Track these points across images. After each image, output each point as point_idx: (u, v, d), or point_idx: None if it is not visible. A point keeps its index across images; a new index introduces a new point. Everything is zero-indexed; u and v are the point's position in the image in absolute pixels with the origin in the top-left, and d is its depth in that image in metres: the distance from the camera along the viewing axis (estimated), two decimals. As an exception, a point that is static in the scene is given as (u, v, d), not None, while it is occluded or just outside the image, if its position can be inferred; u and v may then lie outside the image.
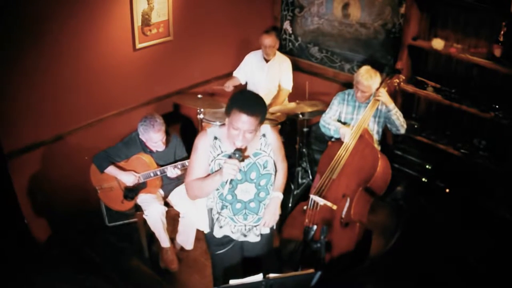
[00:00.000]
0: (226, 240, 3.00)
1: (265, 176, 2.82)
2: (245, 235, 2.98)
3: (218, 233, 2.97)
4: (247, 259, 3.15)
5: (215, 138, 2.77)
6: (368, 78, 3.89)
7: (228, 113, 2.62)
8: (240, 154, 2.62)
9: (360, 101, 4.04)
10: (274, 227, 3.13)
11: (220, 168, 2.67)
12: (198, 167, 2.79)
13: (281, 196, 2.99)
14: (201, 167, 2.78)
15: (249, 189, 2.82)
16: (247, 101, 2.61)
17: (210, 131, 2.79)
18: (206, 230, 3.03)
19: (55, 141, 4.10)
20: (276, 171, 2.93)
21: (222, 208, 2.89)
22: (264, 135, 2.82)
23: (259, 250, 3.12)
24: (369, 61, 4.96)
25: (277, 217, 2.99)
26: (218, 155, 2.76)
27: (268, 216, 2.94)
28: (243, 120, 2.55)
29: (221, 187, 2.79)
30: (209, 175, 2.77)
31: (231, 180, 2.71)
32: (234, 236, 2.98)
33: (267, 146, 2.81)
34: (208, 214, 2.97)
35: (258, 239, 3.01)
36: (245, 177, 2.79)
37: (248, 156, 2.74)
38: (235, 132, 2.60)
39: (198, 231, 4.01)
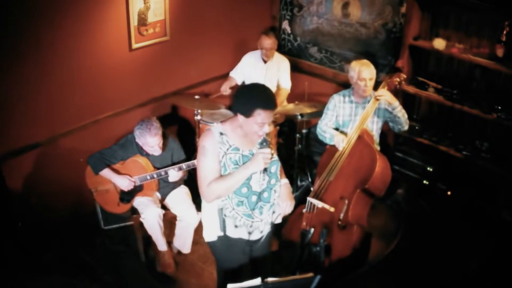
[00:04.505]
0: (238, 243, 2.96)
1: (274, 163, 2.88)
2: (261, 231, 2.97)
3: (233, 233, 2.91)
4: (256, 256, 3.13)
5: (221, 133, 2.79)
6: (368, 64, 3.87)
7: (247, 114, 2.67)
8: (267, 143, 2.77)
9: (366, 95, 3.92)
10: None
11: (248, 161, 2.75)
12: (213, 168, 2.78)
13: (288, 182, 3.07)
14: (215, 166, 2.78)
15: (263, 178, 2.83)
16: (268, 98, 2.70)
17: (214, 129, 2.81)
18: (217, 233, 2.94)
19: (49, 142, 4.06)
20: None
21: (238, 205, 2.85)
22: None
23: (263, 250, 3.12)
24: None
25: (293, 202, 2.99)
26: (228, 149, 2.78)
27: (285, 203, 2.95)
28: (269, 116, 2.69)
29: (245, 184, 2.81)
30: (235, 172, 2.79)
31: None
32: (252, 237, 2.94)
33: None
34: (218, 215, 2.89)
35: (269, 228, 3.04)
36: None
37: (273, 147, 2.84)
38: (259, 127, 2.70)
39: (195, 234, 3.96)
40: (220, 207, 2.87)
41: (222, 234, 2.92)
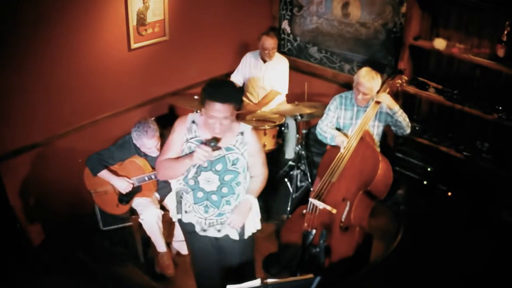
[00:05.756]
0: (193, 229, 3.03)
1: (231, 173, 2.85)
2: (204, 230, 2.99)
3: (184, 218, 3.02)
4: (225, 264, 3.13)
5: (193, 122, 2.86)
6: (370, 79, 3.76)
7: (202, 104, 2.71)
8: (215, 143, 2.72)
9: (360, 104, 3.90)
10: (245, 236, 3.04)
11: (192, 152, 2.75)
12: (171, 147, 2.87)
13: (251, 200, 2.96)
14: (175, 148, 2.87)
15: (212, 180, 2.84)
16: (218, 90, 2.68)
17: (190, 116, 2.90)
18: (177, 216, 3.05)
19: (48, 143, 4.04)
20: (244, 172, 2.93)
21: (186, 192, 2.93)
22: (242, 133, 2.85)
23: (236, 256, 3.10)
24: (369, 62, 4.89)
25: (244, 220, 2.95)
26: (192, 138, 2.84)
27: (234, 216, 2.91)
28: (218, 109, 2.64)
29: (187, 171, 2.85)
30: (180, 157, 2.84)
31: (198, 166, 2.78)
32: (197, 228, 2.99)
33: (242, 144, 2.85)
34: (176, 197, 2.99)
35: (219, 235, 3.01)
36: (210, 166, 2.82)
37: (220, 148, 2.80)
38: (212, 120, 2.69)
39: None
40: (178, 190, 2.97)
41: (179, 216, 3.02)
